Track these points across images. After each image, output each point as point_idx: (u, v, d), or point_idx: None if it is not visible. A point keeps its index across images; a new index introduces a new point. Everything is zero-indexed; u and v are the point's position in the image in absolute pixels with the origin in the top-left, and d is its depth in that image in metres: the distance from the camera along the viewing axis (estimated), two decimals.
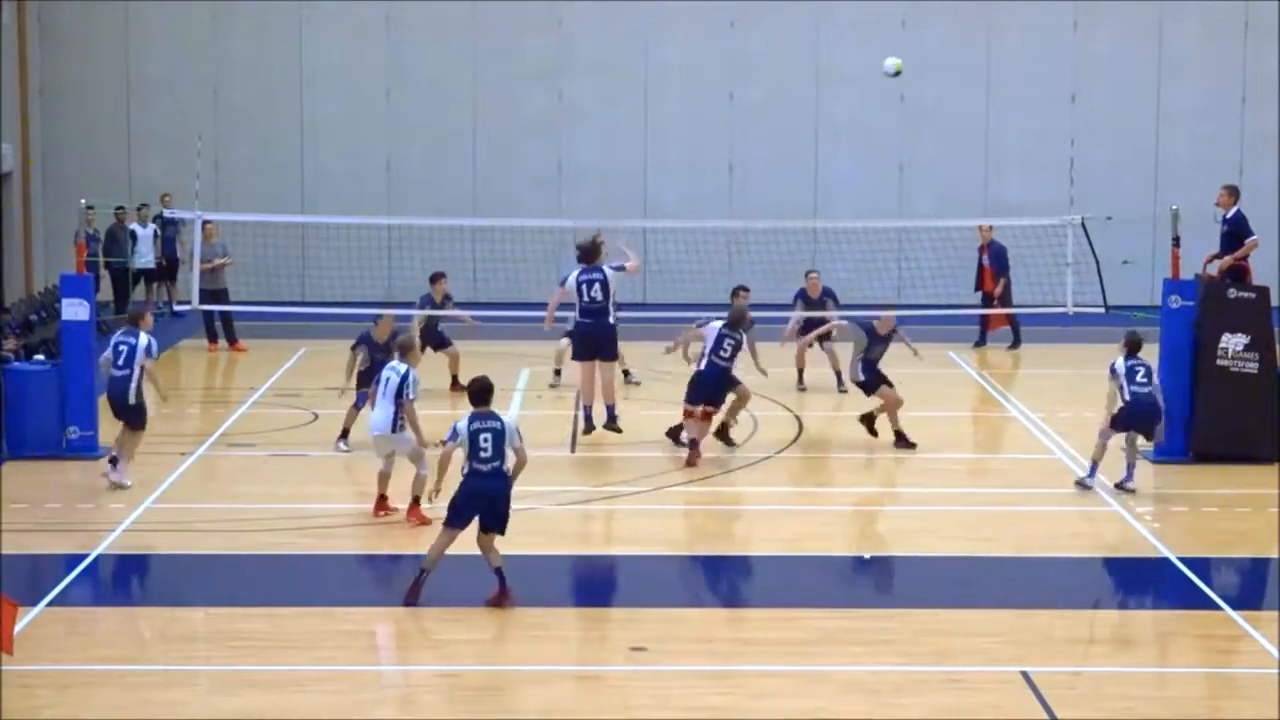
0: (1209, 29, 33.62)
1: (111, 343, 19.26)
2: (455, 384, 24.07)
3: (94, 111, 33.35)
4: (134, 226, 30.73)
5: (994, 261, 28.48)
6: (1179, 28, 33.65)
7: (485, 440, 14.70)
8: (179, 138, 31.99)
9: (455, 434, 14.78)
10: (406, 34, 33.62)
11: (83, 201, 22.57)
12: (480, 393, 15.01)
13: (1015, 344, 28.50)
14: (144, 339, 19.13)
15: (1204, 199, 22.43)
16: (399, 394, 17.27)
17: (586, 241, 20.49)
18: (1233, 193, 21.59)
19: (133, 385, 18.91)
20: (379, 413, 17.43)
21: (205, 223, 26.00)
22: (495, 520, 14.82)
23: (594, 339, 20.14)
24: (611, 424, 20.47)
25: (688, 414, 20.07)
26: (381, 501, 17.71)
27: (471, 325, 24.86)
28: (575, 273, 20.34)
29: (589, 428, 20.59)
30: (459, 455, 14.77)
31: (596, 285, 20.10)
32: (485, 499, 14.75)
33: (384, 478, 17.69)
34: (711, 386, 20.10)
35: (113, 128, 33.45)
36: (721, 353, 20.17)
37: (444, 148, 33.59)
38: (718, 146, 33.77)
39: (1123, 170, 33.29)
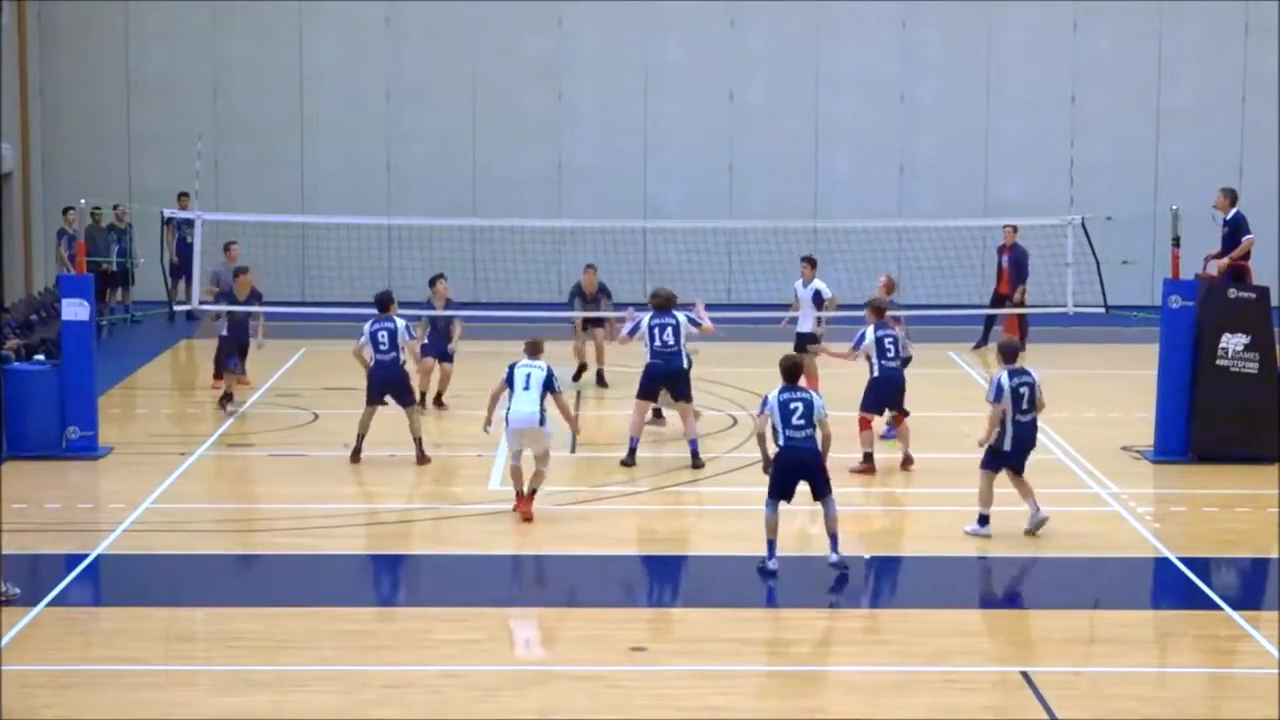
0: (1209, 29, 33.63)
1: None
2: (439, 400, 23.44)
3: (94, 111, 33.36)
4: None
5: (1013, 266, 28.28)
6: (1179, 28, 33.66)
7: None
8: (179, 138, 32.01)
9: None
10: (406, 34, 33.63)
11: (83, 201, 22.53)
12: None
13: (1022, 347, 28.37)
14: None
15: (1204, 199, 22.44)
16: (547, 388, 17.52)
17: (664, 290, 20.84)
18: (1230, 195, 21.60)
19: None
20: (524, 405, 17.47)
21: (230, 244, 25.68)
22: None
23: (665, 377, 20.16)
24: (695, 460, 20.08)
25: (865, 423, 19.94)
26: (521, 497, 17.70)
27: (460, 333, 23.85)
28: (648, 317, 20.44)
29: (630, 460, 20.16)
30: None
31: (669, 329, 20.24)
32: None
33: (518, 472, 17.73)
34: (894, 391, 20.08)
35: (113, 128, 33.46)
36: (888, 355, 20.06)
37: (444, 148, 33.59)
38: (718, 146, 33.77)
39: (1123, 170, 33.31)
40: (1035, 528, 17.16)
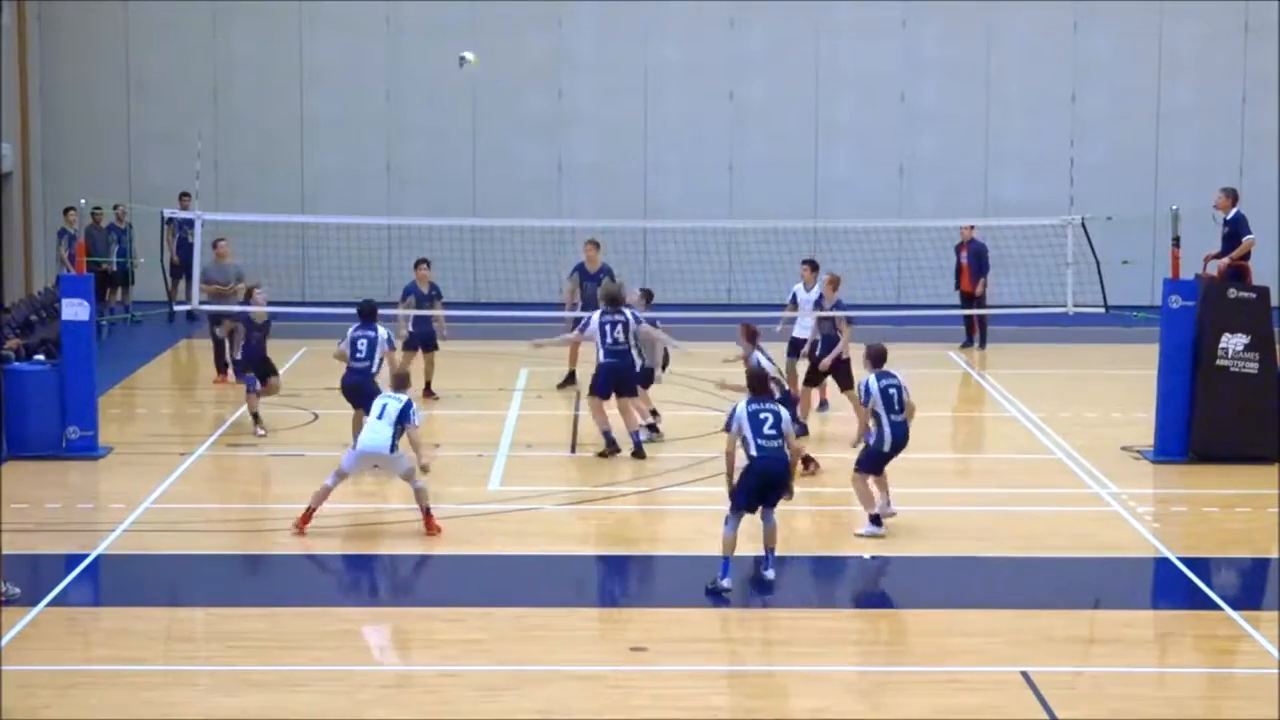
0: (1209, 29, 33.64)
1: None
2: (428, 390, 23.49)
3: (94, 111, 33.37)
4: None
5: (973, 260, 28.55)
6: (1179, 28, 33.67)
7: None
8: (179, 138, 32.03)
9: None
10: (406, 34, 33.63)
11: (83, 201, 22.51)
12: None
13: (981, 345, 28.53)
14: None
15: (1204, 199, 22.44)
16: (402, 420, 17.01)
17: (611, 288, 21.10)
18: (1230, 195, 21.59)
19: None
20: (375, 433, 17.07)
21: (217, 241, 25.60)
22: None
23: (616, 376, 20.38)
24: (637, 451, 20.42)
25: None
26: (309, 514, 17.17)
27: (442, 326, 23.97)
28: (598, 315, 20.63)
29: (610, 450, 20.44)
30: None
31: (620, 327, 20.44)
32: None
33: (326, 492, 17.17)
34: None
35: (113, 128, 33.47)
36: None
37: (444, 148, 33.60)
38: (718, 146, 33.78)
39: (1123, 170, 33.31)
40: (886, 518, 17.30)
